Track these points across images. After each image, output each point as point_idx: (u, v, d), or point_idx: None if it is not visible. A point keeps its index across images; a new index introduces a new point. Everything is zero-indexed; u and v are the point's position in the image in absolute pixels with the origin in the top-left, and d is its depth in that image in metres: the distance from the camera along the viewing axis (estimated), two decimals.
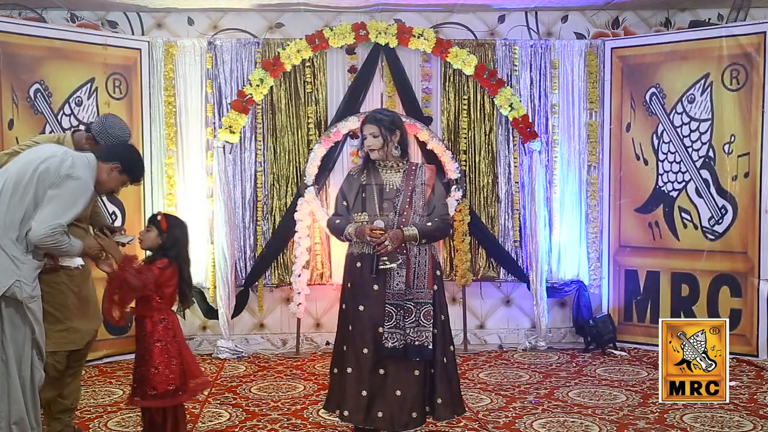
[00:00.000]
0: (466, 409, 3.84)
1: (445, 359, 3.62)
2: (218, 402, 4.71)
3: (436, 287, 3.64)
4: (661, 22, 6.48)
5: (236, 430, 4.19)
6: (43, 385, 3.59)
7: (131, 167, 3.54)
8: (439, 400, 3.59)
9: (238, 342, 6.07)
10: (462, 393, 3.81)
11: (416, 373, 3.54)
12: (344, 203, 3.71)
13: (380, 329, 3.53)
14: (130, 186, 3.71)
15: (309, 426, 4.21)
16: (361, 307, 3.56)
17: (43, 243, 3.21)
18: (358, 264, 3.61)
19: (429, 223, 3.62)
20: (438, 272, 3.70)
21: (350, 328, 3.59)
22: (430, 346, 3.52)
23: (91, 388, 4.98)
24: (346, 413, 3.57)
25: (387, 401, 3.52)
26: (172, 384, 3.44)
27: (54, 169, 3.25)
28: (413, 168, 3.71)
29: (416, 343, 3.50)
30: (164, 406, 3.47)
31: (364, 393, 3.52)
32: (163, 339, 3.46)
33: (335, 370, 3.67)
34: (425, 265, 3.60)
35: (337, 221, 3.70)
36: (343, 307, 3.67)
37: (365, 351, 3.54)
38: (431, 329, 3.53)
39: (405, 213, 3.60)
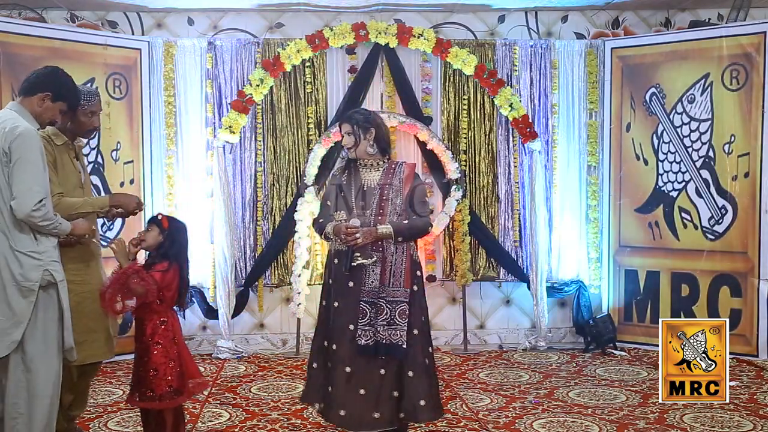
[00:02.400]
0: (443, 413, 3.85)
1: (426, 360, 3.62)
2: (218, 402, 4.71)
3: (416, 288, 3.64)
4: (661, 22, 6.48)
5: (236, 430, 4.19)
6: (62, 389, 3.59)
7: (64, 93, 3.35)
8: (422, 402, 3.56)
9: (238, 342, 6.07)
10: (441, 396, 3.82)
11: (382, 372, 3.54)
12: (327, 203, 3.76)
13: (351, 326, 3.55)
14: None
15: (309, 426, 4.21)
16: (336, 303, 3.61)
17: (30, 220, 3.11)
18: (336, 261, 3.67)
19: (405, 221, 3.64)
20: (418, 272, 3.71)
21: (330, 323, 3.64)
22: (404, 345, 3.51)
23: (91, 388, 4.97)
24: (318, 406, 3.69)
25: (349, 400, 3.52)
26: (169, 386, 3.44)
27: None
28: (392, 166, 3.75)
29: (385, 341, 3.50)
30: (161, 408, 3.47)
31: (330, 389, 3.57)
32: (163, 341, 3.45)
33: (314, 365, 3.71)
34: (402, 264, 3.61)
35: (320, 221, 3.76)
36: (323, 303, 3.73)
37: (334, 347, 3.59)
38: (405, 328, 3.53)
39: (382, 211, 3.62)
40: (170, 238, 3.52)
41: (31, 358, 3.18)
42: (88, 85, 3.77)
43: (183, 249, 3.58)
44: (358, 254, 3.56)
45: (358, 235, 3.53)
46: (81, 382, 3.81)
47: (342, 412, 3.52)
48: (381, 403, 3.52)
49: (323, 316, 3.72)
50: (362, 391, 3.52)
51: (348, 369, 3.54)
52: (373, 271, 3.57)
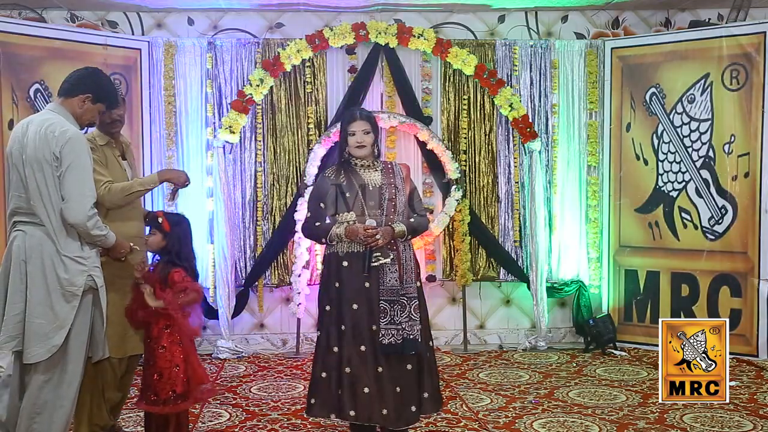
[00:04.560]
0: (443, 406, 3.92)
1: (428, 354, 3.66)
2: (218, 402, 4.71)
3: (418, 283, 3.69)
4: (661, 22, 6.48)
5: (236, 430, 4.19)
6: (108, 388, 3.63)
7: (104, 94, 3.38)
8: (426, 395, 3.61)
9: (238, 342, 6.07)
10: (442, 390, 3.87)
11: (409, 367, 3.55)
12: (321, 206, 3.67)
13: (374, 327, 3.52)
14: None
15: (309, 426, 4.21)
16: (356, 306, 3.54)
17: (83, 227, 3.14)
18: (345, 263, 3.58)
19: (412, 219, 3.68)
20: (418, 269, 3.75)
21: (343, 327, 3.55)
22: (420, 340, 3.54)
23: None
24: (352, 413, 3.51)
25: (388, 398, 3.51)
26: (173, 390, 3.41)
27: (50, 150, 3.14)
28: (390, 166, 3.74)
29: (411, 336, 3.51)
30: (165, 412, 3.45)
31: (366, 390, 3.50)
32: (168, 345, 3.44)
33: (323, 374, 3.58)
34: (411, 260, 3.65)
35: (317, 224, 3.66)
36: (328, 308, 3.61)
37: (363, 348, 3.52)
38: (419, 323, 3.56)
39: (392, 210, 3.62)
40: (175, 238, 3.51)
41: (61, 360, 3.20)
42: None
43: (188, 245, 3.56)
44: (378, 254, 3.52)
45: (378, 235, 3.50)
46: (125, 378, 3.82)
47: (384, 411, 3.50)
48: (413, 396, 3.55)
49: (329, 323, 3.60)
50: (398, 389, 3.52)
51: (380, 369, 3.52)
52: (390, 269, 3.55)
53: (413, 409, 3.55)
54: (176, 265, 3.48)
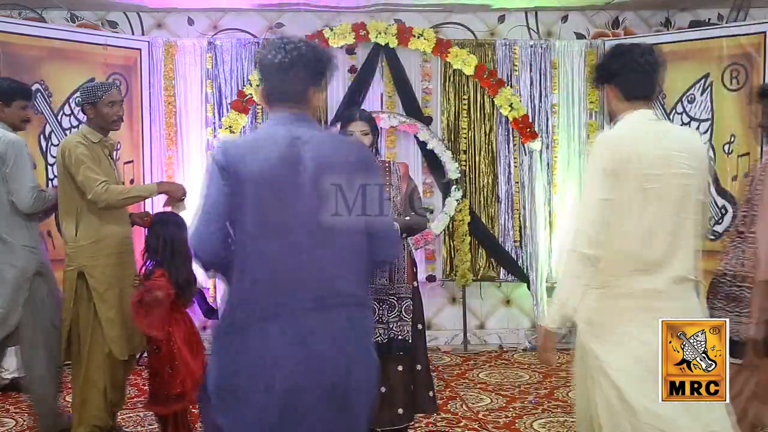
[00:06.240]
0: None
1: (428, 354, 3.70)
2: None
3: (415, 283, 3.67)
4: (661, 22, 6.48)
5: None
6: (110, 388, 3.69)
7: (9, 94, 3.70)
8: (431, 393, 3.65)
9: None
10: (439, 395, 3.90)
11: (399, 368, 3.54)
12: None
13: None
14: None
15: None
16: None
17: (34, 209, 3.62)
18: None
19: (407, 218, 3.65)
20: (414, 269, 3.73)
21: None
22: (410, 341, 3.53)
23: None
24: None
25: None
26: (175, 390, 3.42)
27: None
28: (387, 165, 3.75)
29: (399, 337, 3.50)
30: (167, 413, 3.46)
31: None
32: (162, 346, 3.45)
33: None
34: (404, 260, 3.62)
35: None
36: None
37: None
38: (410, 324, 3.55)
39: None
40: (153, 236, 3.51)
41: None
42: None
43: (169, 244, 3.51)
44: None
45: None
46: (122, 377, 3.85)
47: None
48: (402, 398, 3.53)
49: None
50: (383, 389, 3.49)
51: None
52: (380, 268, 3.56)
53: (400, 411, 3.51)
54: (162, 265, 3.47)
